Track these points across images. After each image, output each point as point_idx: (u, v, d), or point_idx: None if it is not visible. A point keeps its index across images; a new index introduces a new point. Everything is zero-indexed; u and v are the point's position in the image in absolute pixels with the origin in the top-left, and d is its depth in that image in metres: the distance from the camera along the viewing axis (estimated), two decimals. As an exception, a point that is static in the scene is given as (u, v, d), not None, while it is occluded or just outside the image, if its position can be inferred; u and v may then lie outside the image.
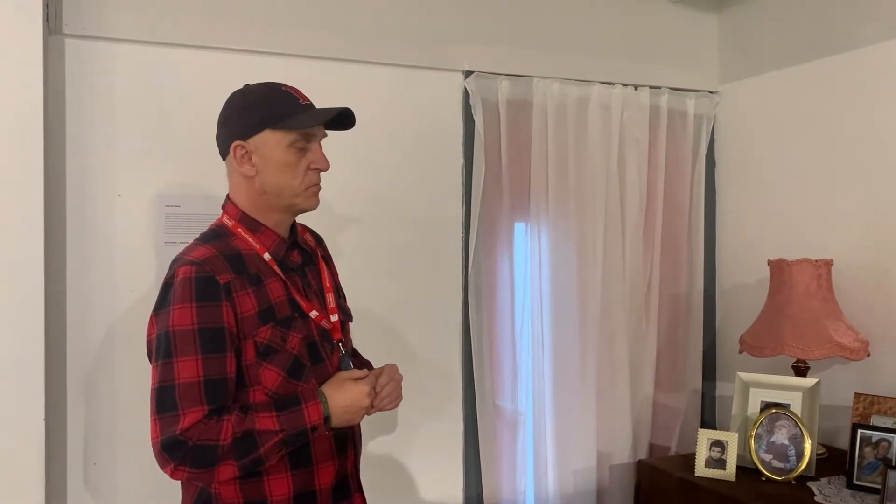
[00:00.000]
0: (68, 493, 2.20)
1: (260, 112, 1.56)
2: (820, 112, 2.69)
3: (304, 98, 1.60)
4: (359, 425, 1.70)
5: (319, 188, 1.63)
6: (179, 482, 1.57)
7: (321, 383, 1.56)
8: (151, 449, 1.44)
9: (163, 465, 1.44)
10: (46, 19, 2.08)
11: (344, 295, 1.85)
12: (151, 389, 1.46)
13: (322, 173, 1.64)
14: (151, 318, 1.51)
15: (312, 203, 1.63)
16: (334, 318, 1.67)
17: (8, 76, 1.99)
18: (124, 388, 2.23)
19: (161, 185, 2.29)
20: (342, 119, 1.63)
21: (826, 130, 2.67)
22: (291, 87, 1.61)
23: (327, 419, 1.51)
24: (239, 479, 1.49)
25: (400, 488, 2.64)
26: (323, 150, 1.63)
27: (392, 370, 1.67)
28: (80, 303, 2.21)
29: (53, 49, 2.16)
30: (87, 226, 2.22)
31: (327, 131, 1.66)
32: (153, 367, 1.48)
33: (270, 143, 1.56)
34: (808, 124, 2.73)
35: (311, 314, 1.60)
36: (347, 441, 1.64)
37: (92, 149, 2.23)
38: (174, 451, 1.41)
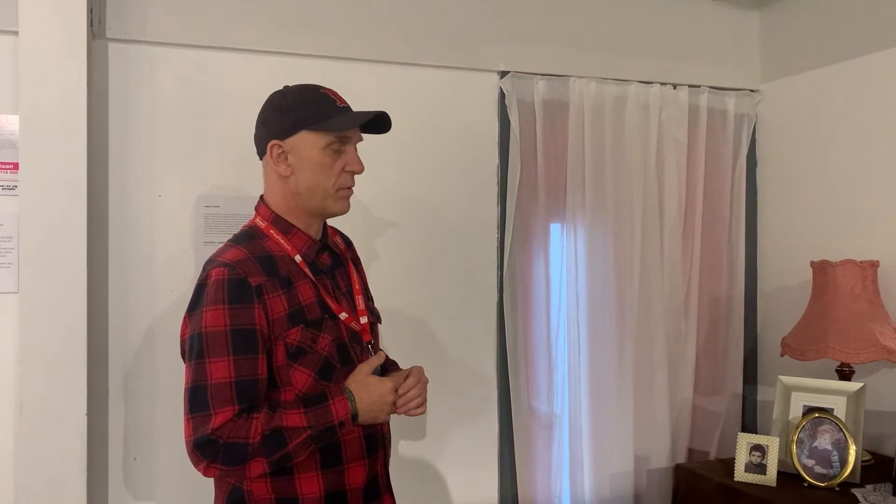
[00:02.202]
0: (109, 487, 2.24)
1: (297, 113, 1.57)
2: (864, 110, 2.62)
3: (342, 101, 1.62)
4: (388, 426, 1.71)
5: (351, 192, 1.64)
6: (213, 479, 1.60)
7: (345, 379, 1.58)
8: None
9: (196, 463, 1.46)
10: (90, 24, 2.14)
11: (371, 297, 1.86)
12: (185, 389, 1.49)
13: (358, 175, 1.65)
14: (185, 318, 1.54)
15: (342, 206, 1.64)
16: (364, 320, 1.68)
17: (52, 80, 2.06)
18: (164, 385, 2.26)
19: (200, 187, 2.33)
20: (378, 122, 1.64)
21: (870, 129, 2.60)
22: (329, 90, 1.62)
23: (354, 416, 1.53)
24: (270, 476, 1.51)
25: (434, 490, 2.63)
26: (358, 153, 1.64)
27: (419, 372, 1.67)
28: (121, 301, 2.26)
29: (97, 53, 2.22)
30: (128, 226, 2.27)
31: (363, 134, 1.68)
32: (186, 367, 1.51)
33: (307, 144, 1.57)
34: (851, 122, 2.67)
35: (340, 316, 1.61)
36: (377, 441, 1.64)
37: (134, 150, 2.27)
38: (206, 450, 1.44)
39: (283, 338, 1.52)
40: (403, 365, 1.84)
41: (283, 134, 1.58)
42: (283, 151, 1.59)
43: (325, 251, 1.69)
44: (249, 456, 1.44)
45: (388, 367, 1.73)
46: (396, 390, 1.59)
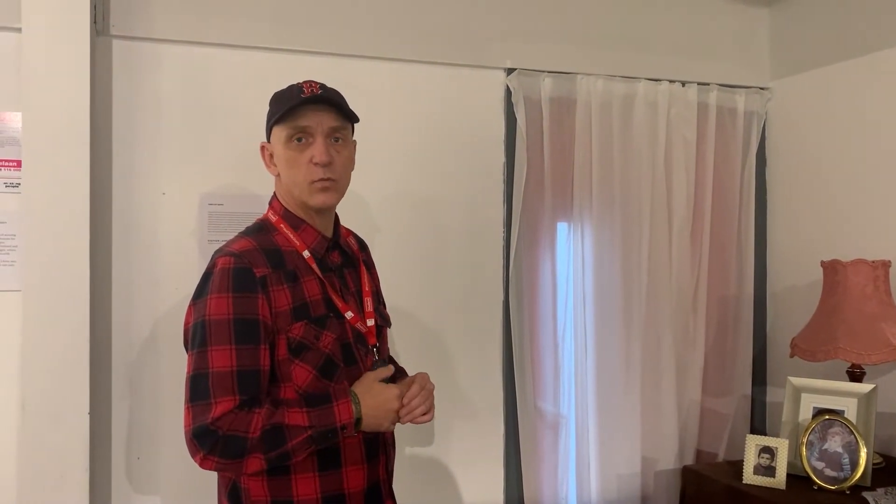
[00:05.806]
0: (112, 486, 2.23)
1: (270, 112, 1.60)
2: (875, 107, 2.58)
3: (314, 90, 1.55)
4: (391, 431, 1.68)
5: (325, 184, 1.56)
6: (216, 476, 1.59)
7: (351, 384, 1.56)
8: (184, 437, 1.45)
9: (193, 454, 1.44)
10: (94, 21, 2.12)
11: (384, 302, 1.84)
12: (186, 377, 1.48)
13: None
14: (190, 306, 1.53)
15: (317, 199, 1.57)
16: (370, 322, 1.65)
17: (56, 77, 2.04)
18: (168, 384, 2.25)
19: (204, 184, 2.32)
20: (333, 106, 1.57)
21: (882, 127, 2.56)
22: (307, 83, 1.57)
23: (358, 421, 1.50)
24: (267, 475, 1.49)
25: (440, 491, 2.61)
26: (327, 144, 1.55)
27: (423, 379, 1.64)
28: (124, 299, 2.24)
29: (101, 50, 2.21)
30: (131, 224, 2.25)
31: (354, 126, 1.65)
32: (189, 356, 1.49)
33: (276, 141, 1.59)
34: (862, 120, 2.63)
35: (346, 315, 1.59)
36: (378, 446, 1.62)
37: (137, 148, 2.26)
38: (204, 440, 1.42)
39: (287, 332, 1.50)
40: (410, 369, 1.81)
41: (267, 135, 1.63)
42: (270, 153, 1.62)
43: (337, 249, 1.67)
44: (248, 451, 1.42)
45: (395, 377, 1.70)
46: (401, 398, 1.56)
